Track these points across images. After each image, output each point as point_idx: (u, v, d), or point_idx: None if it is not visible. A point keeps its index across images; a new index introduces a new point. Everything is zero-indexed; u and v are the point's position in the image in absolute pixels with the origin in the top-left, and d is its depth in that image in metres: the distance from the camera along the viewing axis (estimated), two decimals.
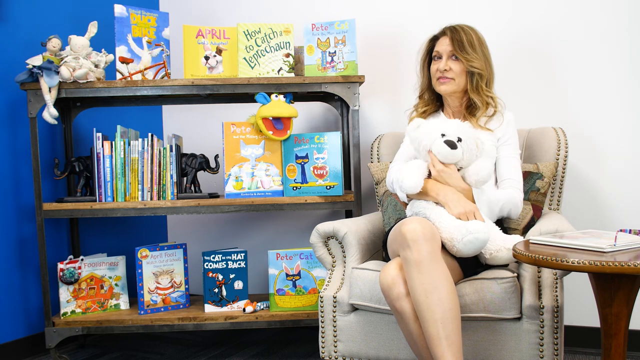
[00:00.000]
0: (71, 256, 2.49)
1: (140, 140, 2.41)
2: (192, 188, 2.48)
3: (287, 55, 2.44)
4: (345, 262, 2.04)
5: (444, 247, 1.73)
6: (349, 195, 2.39)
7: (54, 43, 2.34)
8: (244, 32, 2.41)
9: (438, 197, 1.82)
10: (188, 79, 2.39)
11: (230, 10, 3.00)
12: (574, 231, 1.73)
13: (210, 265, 2.45)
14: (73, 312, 2.44)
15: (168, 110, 3.17)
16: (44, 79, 2.28)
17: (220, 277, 2.46)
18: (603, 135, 2.39)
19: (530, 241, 1.61)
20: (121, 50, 2.40)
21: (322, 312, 1.97)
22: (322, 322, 1.97)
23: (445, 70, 1.99)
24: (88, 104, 2.66)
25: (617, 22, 2.36)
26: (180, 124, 3.13)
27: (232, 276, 2.46)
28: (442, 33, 2.05)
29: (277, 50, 2.43)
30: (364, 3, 2.76)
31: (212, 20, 2.99)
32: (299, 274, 2.40)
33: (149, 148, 2.41)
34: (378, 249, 2.19)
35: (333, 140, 2.38)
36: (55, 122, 2.34)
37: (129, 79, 2.40)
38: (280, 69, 2.43)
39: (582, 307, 2.39)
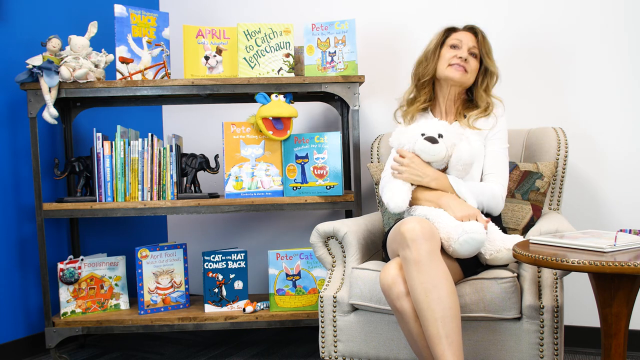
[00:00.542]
0: (71, 256, 2.49)
1: (140, 140, 2.41)
2: (192, 188, 2.48)
3: (287, 55, 2.44)
4: (345, 262, 2.04)
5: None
6: (349, 195, 2.39)
7: (54, 43, 2.34)
8: (244, 32, 2.42)
9: (439, 203, 1.82)
10: (188, 79, 2.39)
11: (230, 10, 3.00)
12: (574, 231, 1.73)
13: (210, 265, 2.45)
14: (73, 312, 2.44)
15: (168, 110, 3.17)
16: (44, 79, 2.28)
17: (220, 277, 2.46)
18: (603, 135, 2.39)
19: (530, 241, 1.61)
20: (121, 50, 2.40)
21: (322, 312, 1.97)
22: (322, 322, 1.97)
23: (465, 60, 2.00)
24: (88, 104, 2.66)
25: (617, 21, 2.36)
26: (180, 124, 3.13)
27: (232, 276, 2.46)
28: (468, 29, 2.07)
29: (277, 50, 2.43)
30: (364, 3, 2.76)
31: (212, 20, 3.00)
32: (299, 274, 2.40)
33: (149, 148, 2.41)
34: (378, 249, 2.19)
35: (333, 140, 2.38)
36: (55, 122, 2.34)
37: (129, 79, 2.40)
38: (280, 69, 2.43)
39: (582, 307, 2.39)
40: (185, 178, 2.48)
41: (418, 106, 2.09)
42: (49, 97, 2.28)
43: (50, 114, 2.29)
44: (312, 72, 2.42)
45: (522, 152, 2.27)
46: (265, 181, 2.41)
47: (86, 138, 2.76)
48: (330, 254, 2.07)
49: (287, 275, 2.39)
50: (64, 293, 2.42)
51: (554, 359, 1.71)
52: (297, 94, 2.53)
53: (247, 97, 2.59)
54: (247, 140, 2.40)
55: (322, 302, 1.97)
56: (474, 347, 1.77)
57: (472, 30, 2.07)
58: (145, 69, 2.44)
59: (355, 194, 2.39)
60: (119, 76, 2.40)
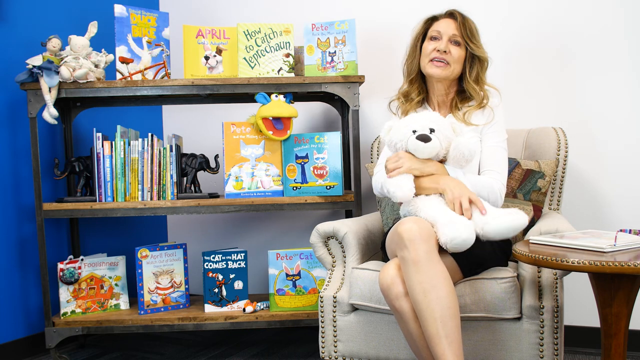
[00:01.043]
0: (71, 256, 2.49)
1: (140, 140, 2.41)
2: (192, 188, 2.48)
3: (287, 55, 2.44)
4: (345, 262, 2.04)
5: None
6: (349, 195, 2.39)
7: (54, 43, 2.34)
8: (244, 32, 2.42)
9: (439, 187, 1.77)
10: (188, 79, 2.39)
11: (230, 10, 3.00)
12: (574, 231, 1.73)
13: (210, 265, 2.45)
14: (73, 312, 2.44)
15: (168, 110, 3.17)
16: (44, 79, 2.28)
17: (220, 277, 2.46)
18: (603, 135, 2.39)
19: (530, 241, 1.61)
20: (121, 50, 2.40)
21: (322, 312, 1.97)
22: (322, 322, 1.97)
23: (445, 52, 1.92)
24: (88, 104, 2.66)
25: (617, 20, 2.36)
26: (180, 124, 3.13)
27: (232, 276, 2.46)
28: (447, 15, 1.97)
29: (277, 50, 2.43)
30: (364, 3, 2.76)
31: (212, 20, 3.00)
32: (299, 274, 2.40)
33: (149, 148, 2.41)
34: (378, 249, 2.19)
35: (333, 140, 2.38)
36: (55, 122, 2.34)
37: (129, 79, 2.40)
38: (280, 69, 2.44)
39: (582, 307, 2.39)
40: (185, 178, 2.48)
41: (412, 103, 2.03)
42: (49, 97, 2.28)
43: (50, 114, 2.29)
44: (312, 72, 2.42)
45: (522, 152, 2.27)
46: (265, 181, 2.41)
47: (86, 138, 2.76)
48: (330, 254, 2.07)
49: (287, 275, 2.39)
50: (64, 293, 2.42)
51: (554, 359, 1.71)
52: (297, 94, 2.53)
53: (247, 97, 2.59)
54: (247, 140, 2.40)
55: (322, 302, 1.97)
56: (474, 347, 1.77)
57: (452, 15, 1.96)
58: (145, 69, 2.44)
59: (355, 194, 2.39)
60: (119, 76, 2.40)
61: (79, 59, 2.33)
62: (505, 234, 1.66)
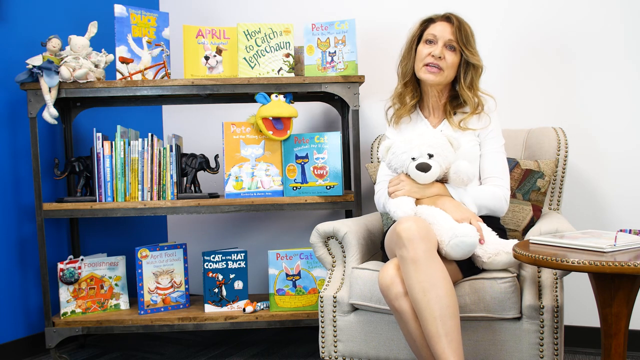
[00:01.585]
0: (71, 256, 2.49)
1: (140, 140, 2.41)
2: (192, 188, 2.48)
3: (287, 55, 2.44)
4: (345, 262, 2.04)
5: None
6: (349, 195, 2.39)
7: (54, 43, 2.34)
8: (244, 32, 2.42)
9: (436, 206, 1.81)
10: (188, 79, 2.39)
11: (230, 10, 3.00)
12: (574, 231, 1.73)
13: (210, 265, 2.45)
14: (73, 312, 2.43)
15: (168, 110, 3.17)
16: (44, 79, 2.28)
17: (220, 277, 2.46)
18: (603, 135, 2.39)
19: (530, 241, 1.61)
20: (121, 50, 2.40)
21: (322, 312, 1.97)
22: (322, 322, 1.97)
23: (440, 58, 1.90)
24: (88, 104, 2.66)
25: (617, 20, 2.36)
26: (180, 124, 3.13)
27: (232, 276, 2.46)
28: (443, 18, 1.95)
29: (277, 50, 2.43)
30: (364, 3, 2.76)
31: (212, 20, 3.00)
32: (299, 274, 2.40)
33: (149, 148, 2.41)
34: (378, 249, 2.19)
35: (333, 140, 2.38)
36: (55, 122, 2.34)
37: (129, 79, 2.40)
38: (280, 69, 2.44)
39: (582, 307, 2.39)
40: (185, 178, 2.48)
41: (406, 107, 2.02)
42: (49, 97, 2.28)
43: (50, 114, 2.29)
44: (312, 72, 2.42)
45: (522, 152, 2.27)
46: (265, 181, 2.41)
47: (86, 138, 2.76)
48: (330, 254, 2.07)
49: (287, 275, 2.39)
50: (64, 293, 2.42)
51: (554, 359, 1.71)
52: (297, 94, 2.53)
53: (247, 97, 2.59)
54: (247, 140, 2.40)
55: (322, 302, 1.97)
56: (473, 347, 1.77)
57: (449, 19, 1.93)
58: (145, 69, 2.44)
59: (355, 194, 2.39)
60: (119, 76, 2.40)
61: (79, 59, 2.33)
62: (501, 267, 1.77)
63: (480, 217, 1.84)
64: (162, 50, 2.48)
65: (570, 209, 2.41)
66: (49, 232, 2.58)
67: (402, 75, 2.04)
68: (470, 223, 1.74)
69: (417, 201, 1.84)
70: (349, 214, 2.56)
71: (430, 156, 1.79)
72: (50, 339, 2.35)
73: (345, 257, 2.04)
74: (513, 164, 2.11)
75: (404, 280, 1.64)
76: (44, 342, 2.40)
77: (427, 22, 1.99)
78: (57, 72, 2.30)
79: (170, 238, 3.19)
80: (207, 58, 2.47)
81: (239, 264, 2.47)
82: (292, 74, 2.44)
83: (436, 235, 1.69)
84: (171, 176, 2.43)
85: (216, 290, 2.46)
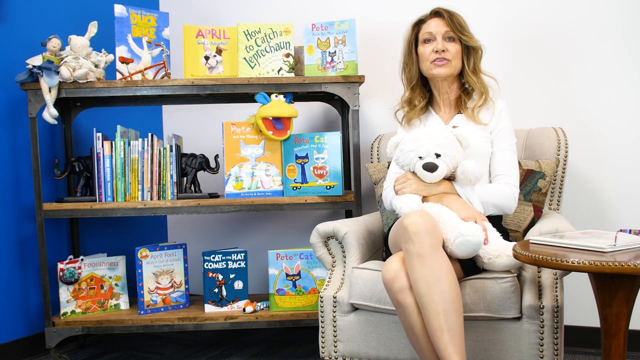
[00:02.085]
0: (71, 256, 2.49)
1: (140, 140, 2.41)
2: (192, 188, 2.48)
3: (287, 55, 2.44)
4: (345, 262, 2.04)
5: None
6: (349, 195, 2.39)
7: (54, 43, 2.34)
8: (244, 32, 2.42)
9: (442, 204, 1.81)
10: (188, 79, 2.39)
11: (230, 10, 3.00)
12: (574, 231, 1.73)
13: (210, 265, 2.45)
14: (73, 312, 2.44)
15: (168, 110, 3.17)
16: (44, 79, 2.28)
17: (220, 277, 2.46)
18: (604, 135, 2.39)
19: (530, 241, 1.61)
20: (121, 50, 2.40)
21: (322, 312, 1.97)
22: (322, 322, 1.97)
23: (443, 50, 1.94)
24: (88, 104, 2.66)
25: (619, 18, 2.35)
26: (180, 124, 3.13)
27: (232, 276, 2.46)
28: (433, 15, 1.99)
29: (277, 50, 2.43)
30: (364, 3, 2.76)
31: (212, 20, 3.00)
32: (299, 274, 2.40)
33: (149, 148, 2.41)
34: (378, 249, 2.19)
35: (333, 140, 2.38)
36: (55, 122, 2.34)
37: (129, 79, 2.40)
38: (280, 69, 2.44)
39: (582, 307, 2.39)
40: (185, 178, 2.48)
41: (416, 109, 2.04)
42: (49, 97, 2.28)
43: (50, 114, 2.29)
44: (312, 72, 2.42)
45: (523, 152, 2.27)
46: (265, 181, 2.41)
47: (86, 138, 2.76)
48: (330, 254, 2.07)
49: (287, 275, 2.39)
50: (64, 293, 2.42)
51: (554, 359, 1.71)
52: (297, 94, 2.53)
53: (247, 97, 2.59)
54: (247, 140, 2.40)
55: (322, 302, 1.97)
56: (474, 347, 1.77)
57: (438, 14, 1.98)
58: (145, 69, 2.44)
59: (355, 194, 2.39)
60: (119, 76, 2.40)
61: (79, 59, 2.33)
62: (501, 269, 1.76)
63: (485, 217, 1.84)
64: (162, 50, 2.48)
65: (570, 209, 2.41)
66: (49, 232, 2.58)
67: (408, 81, 2.07)
68: (476, 222, 1.74)
69: (424, 199, 1.84)
70: (349, 214, 2.56)
71: (438, 156, 1.80)
72: (50, 339, 2.35)
73: (345, 257, 2.04)
74: None
75: (408, 274, 1.63)
76: (44, 342, 2.40)
77: (419, 24, 2.03)
78: (57, 72, 2.30)
79: (170, 238, 3.20)
80: (207, 58, 2.47)
81: (239, 264, 2.47)
82: (292, 74, 2.44)
83: (442, 233, 1.70)
84: (171, 176, 2.43)
85: (216, 290, 2.46)
